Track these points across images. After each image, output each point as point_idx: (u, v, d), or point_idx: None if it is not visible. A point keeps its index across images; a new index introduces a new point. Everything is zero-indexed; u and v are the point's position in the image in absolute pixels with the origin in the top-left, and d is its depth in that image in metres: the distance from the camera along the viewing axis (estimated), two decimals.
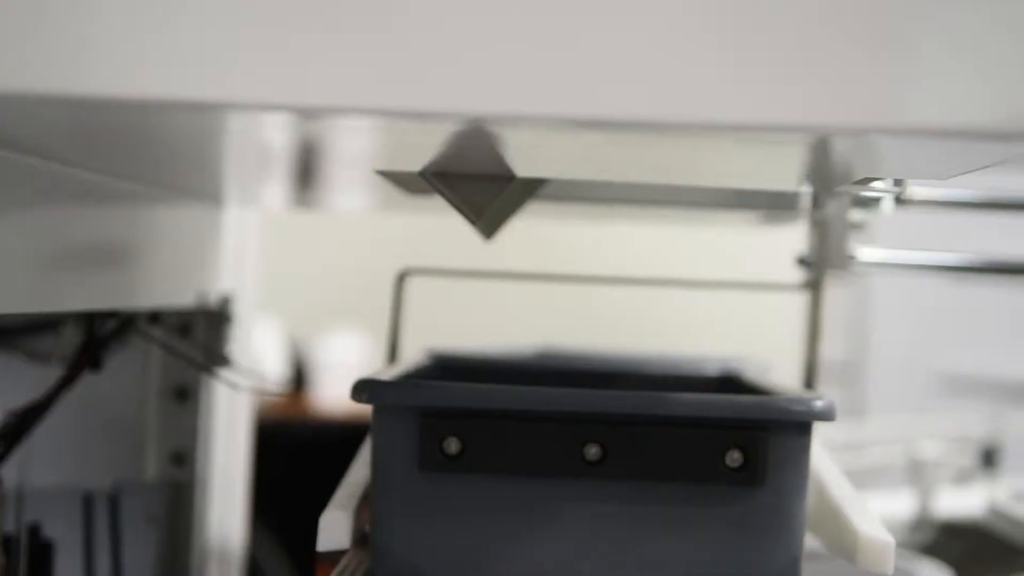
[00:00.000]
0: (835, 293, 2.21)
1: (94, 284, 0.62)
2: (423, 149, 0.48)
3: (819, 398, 0.53)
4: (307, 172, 0.61)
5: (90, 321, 0.70)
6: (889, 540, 0.52)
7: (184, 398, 0.82)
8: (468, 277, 0.77)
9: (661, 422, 0.53)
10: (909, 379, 2.11)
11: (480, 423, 0.53)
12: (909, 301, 2.14)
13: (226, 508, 0.89)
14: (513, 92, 0.35)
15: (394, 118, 0.37)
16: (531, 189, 0.64)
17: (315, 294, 2.58)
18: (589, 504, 0.53)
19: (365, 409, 0.54)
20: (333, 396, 2.32)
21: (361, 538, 0.57)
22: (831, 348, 2.20)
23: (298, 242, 2.49)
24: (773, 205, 0.72)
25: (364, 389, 0.54)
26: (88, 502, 0.80)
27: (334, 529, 0.54)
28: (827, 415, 0.53)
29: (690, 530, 0.53)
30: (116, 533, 0.80)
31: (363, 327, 2.37)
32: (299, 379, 2.39)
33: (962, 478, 1.21)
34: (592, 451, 0.53)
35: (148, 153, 0.55)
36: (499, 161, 0.50)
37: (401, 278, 0.77)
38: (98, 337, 0.70)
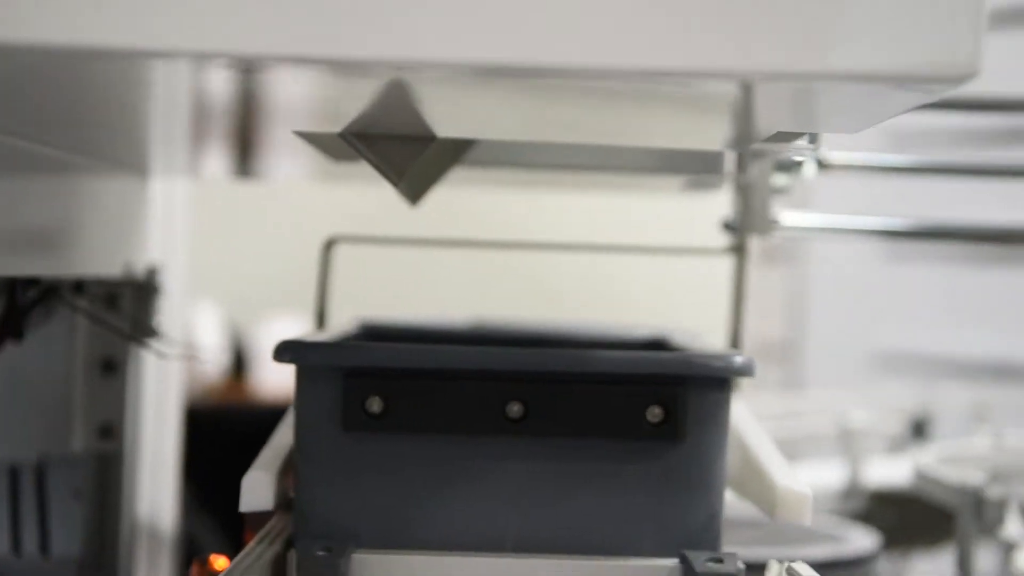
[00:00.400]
0: (774, 274, 2.24)
1: (15, 251, 0.61)
2: (343, 107, 0.47)
3: (738, 354, 0.54)
4: (230, 134, 0.60)
5: (11, 290, 0.69)
6: (806, 491, 0.53)
7: (111, 370, 0.81)
8: (394, 244, 0.77)
9: (581, 379, 0.53)
10: (846, 356, 2.14)
11: (403, 383, 0.53)
12: (846, 281, 2.16)
13: (156, 482, 0.89)
14: (425, 38, 0.35)
15: (309, 66, 0.37)
16: (456, 153, 0.64)
17: (256, 280, 2.57)
18: (512, 461, 0.53)
19: None
20: (275, 382, 2.30)
21: (287, 503, 0.57)
22: (770, 327, 2.23)
23: (240, 229, 2.47)
24: (698, 169, 0.73)
25: (287, 350, 0.54)
26: (14, 475, 0.79)
27: (257, 489, 0.53)
28: (745, 371, 0.53)
29: (612, 486, 0.53)
30: (43, 506, 0.79)
31: (305, 313, 2.36)
32: (240, 365, 2.37)
33: (893, 448, 1.23)
34: (514, 409, 0.53)
35: (69, 115, 0.54)
36: (418, 121, 0.50)
37: (328, 246, 0.77)
38: (20, 306, 0.69)
